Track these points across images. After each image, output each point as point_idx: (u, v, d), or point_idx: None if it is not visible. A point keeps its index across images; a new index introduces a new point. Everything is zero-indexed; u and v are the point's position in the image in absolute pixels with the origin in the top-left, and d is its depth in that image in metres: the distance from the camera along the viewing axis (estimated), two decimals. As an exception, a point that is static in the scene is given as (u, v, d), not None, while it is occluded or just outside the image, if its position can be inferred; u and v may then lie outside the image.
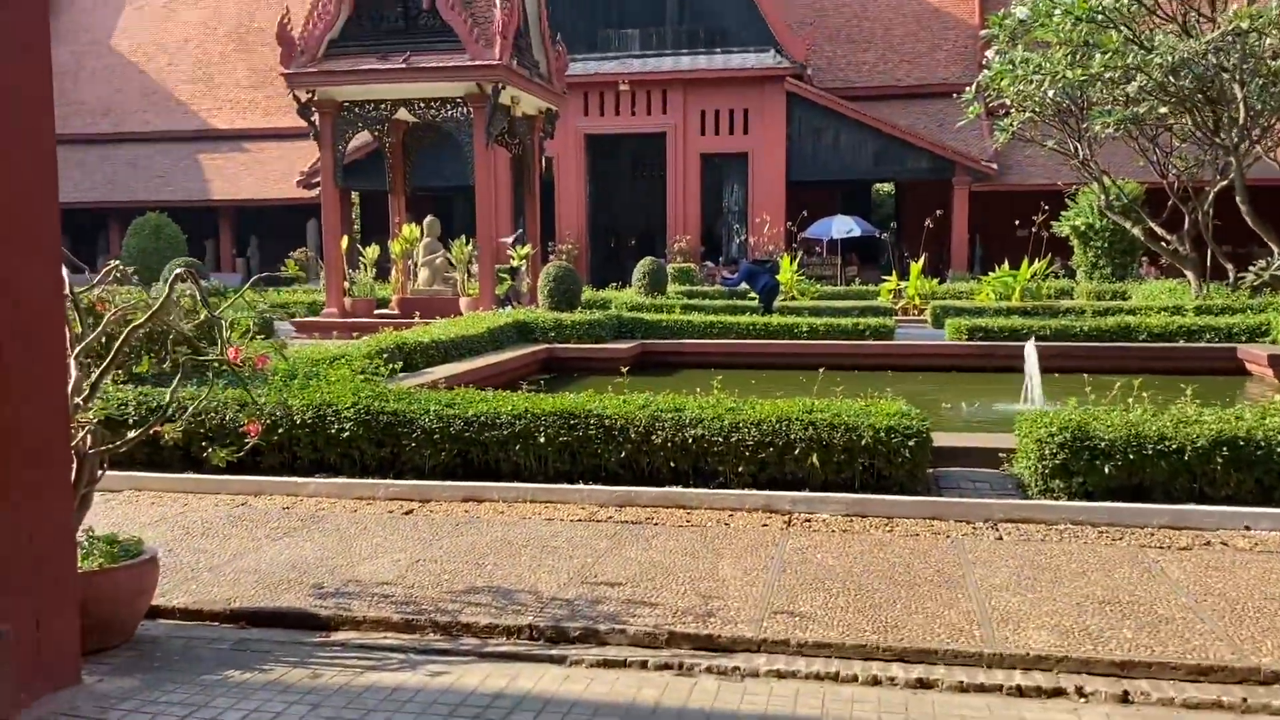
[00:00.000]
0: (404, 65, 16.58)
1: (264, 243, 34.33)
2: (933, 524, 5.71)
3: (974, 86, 19.16)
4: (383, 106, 17.27)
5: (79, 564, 3.84)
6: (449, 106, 16.93)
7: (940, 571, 4.90)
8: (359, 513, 6.03)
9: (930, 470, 6.48)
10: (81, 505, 4.12)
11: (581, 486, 6.22)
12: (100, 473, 4.20)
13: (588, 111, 29.84)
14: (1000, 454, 6.70)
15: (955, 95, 21.40)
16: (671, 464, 6.27)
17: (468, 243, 17.83)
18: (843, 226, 28.38)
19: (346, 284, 17.76)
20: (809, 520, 5.77)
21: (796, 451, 6.08)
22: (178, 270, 4.22)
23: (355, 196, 32.51)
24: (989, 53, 19.30)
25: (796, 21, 30.87)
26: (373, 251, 18.16)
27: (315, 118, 17.30)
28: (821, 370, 10.26)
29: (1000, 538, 5.51)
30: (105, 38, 37.00)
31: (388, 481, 6.41)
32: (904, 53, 32.82)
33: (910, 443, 6.00)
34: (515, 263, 19.11)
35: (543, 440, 6.33)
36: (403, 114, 17.52)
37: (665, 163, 30.11)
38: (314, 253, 28.09)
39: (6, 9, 3.28)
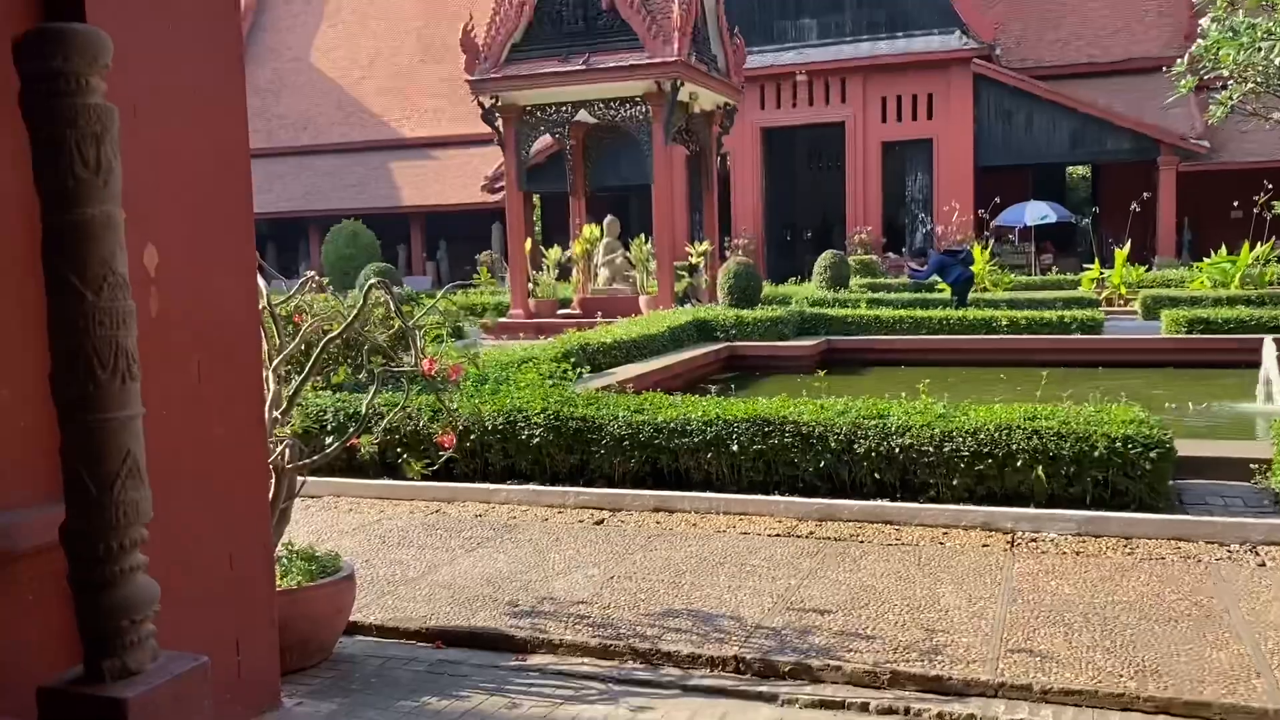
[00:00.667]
0: (583, 66, 16.60)
1: (452, 246, 35.46)
2: (1179, 546, 5.07)
3: (1185, 59, 17.62)
4: (563, 109, 17.36)
5: (277, 582, 3.78)
6: (628, 106, 16.85)
7: (1197, 604, 4.29)
8: (550, 522, 5.88)
9: (1170, 483, 5.79)
10: (280, 520, 4.08)
11: (778, 498, 5.87)
12: (299, 486, 4.16)
13: (764, 104, 29.31)
14: (1252, 465, 5.93)
15: (1165, 69, 19.78)
16: (875, 475, 5.84)
17: (646, 241, 17.73)
18: (1036, 212, 26.79)
19: (530, 285, 17.97)
20: (1035, 540, 5.23)
21: (1018, 463, 5.54)
22: (372, 280, 4.13)
23: (536, 199, 33.16)
24: (1204, 21, 17.72)
25: (978, 4, 29.36)
26: (555, 253, 18.32)
27: (499, 122, 17.56)
28: (1045, 372, 9.55)
29: (1263, 564, 4.82)
30: (305, 55, 39.06)
31: (577, 489, 6.24)
32: (1100, 28, 30.73)
33: (1151, 454, 5.36)
34: (694, 260, 18.89)
35: (735, 448, 6.02)
36: (583, 116, 17.57)
37: (843, 153, 29.26)
38: (498, 255, 28.77)
39: (199, 20, 3.22)
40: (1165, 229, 27.03)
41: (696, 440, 6.11)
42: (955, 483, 5.66)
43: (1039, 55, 30.36)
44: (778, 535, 5.46)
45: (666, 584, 4.72)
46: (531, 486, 6.36)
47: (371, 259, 27.00)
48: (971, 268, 18.54)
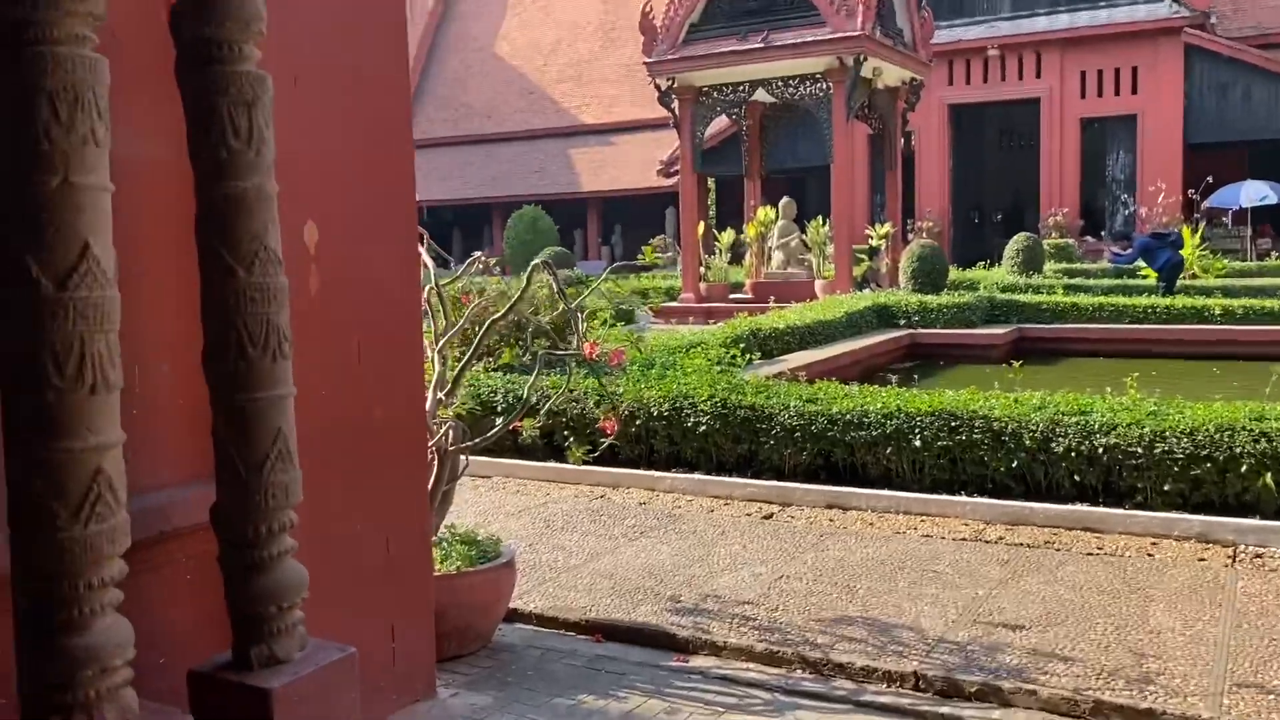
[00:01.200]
0: (762, 44, 16.21)
1: (626, 231, 35.71)
2: None
3: None
4: (740, 89, 17.03)
5: (436, 567, 3.71)
6: (808, 83, 16.36)
7: None
8: (716, 513, 5.66)
9: None
10: (443, 502, 4.02)
11: (964, 499, 5.44)
12: (463, 468, 4.09)
13: (952, 80, 28.03)
14: None
15: None
16: (1075, 477, 5.32)
17: (824, 223, 17.20)
18: (1254, 193, 24.55)
19: (702, 269, 17.77)
20: (1260, 557, 4.63)
21: (1242, 469, 4.92)
22: (535, 262, 4.00)
23: (710, 183, 32.90)
24: None
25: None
26: (728, 236, 18.04)
27: (675, 104, 17.40)
28: (1278, 368, 8.63)
29: None
30: (489, 44, 40.06)
31: (745, 480, 5.99)
32: (1334, -13, 27.88)
33: None
34: (874, 242, 18.22)
35: (918, 444, 5.61)
36: (760, 95, 17.19)
37: (1037, 131, 27.66)
38: (671, 238, 28.70)
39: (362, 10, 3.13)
40: None
41: (875, 434, 5.74)
42: (1167, 488, 5.09)
43: (1260, 22, 27.80)
44: (963, 539, 5.05)
45: (840, 588, 4.41)
46: (697, 475, 6.15)
47: (549, 244, 27.44)
48: (1180, 252, 17.09)
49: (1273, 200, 24.40)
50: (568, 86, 37.68)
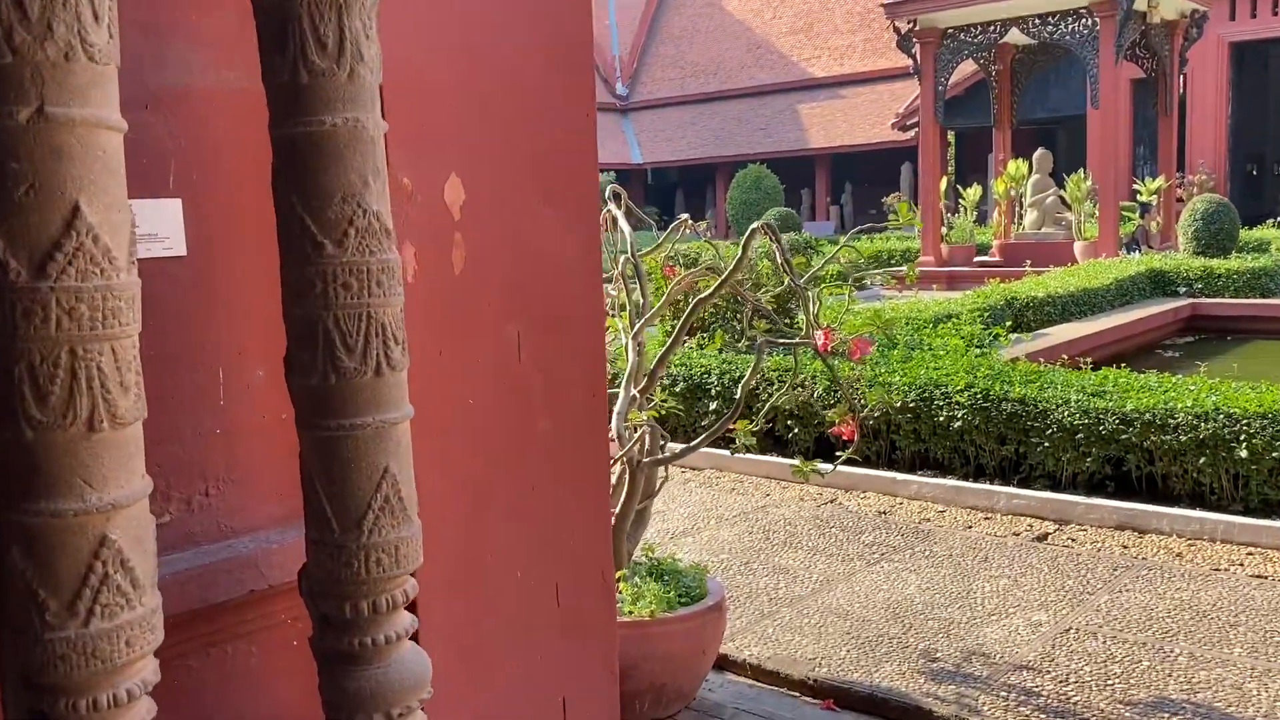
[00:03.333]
0: (1017, -23, 14.50)
1: (857, 190, 34.13)
2: None
3: None
4: (990, 29, 15.36)
5: (626, 610, 2.97)
6: (1070, 19, 14.53)
7: None
8: (974, 531, 4.66)
9: None
10: (636, 525, 3.27)
11: (1312, 529, 4.20)
12: (660, 483, 3.33)
13: (1234, 14, 24.67)
14: None
15: None
16: None
17: (1085, 177, 15.32)
18: None
19: (943, 230, 16.30)
20: None
21: None
22: (753, 226, 3.16)
23: (950, 137, 30.71)
24: None
25: None
26: (973, 193, 16.45)
27: (915, 49, 15.94)
28: None
29: None
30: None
31: (1011, 490, 4.94)
32: None
33: None
34: (1143, 198, 16.14)
35: (1245, 454, 4.38)
36: (1013, 36, 15.46)
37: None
38: (907, 197, 26.97)
39: None
40: None
41: (1184, 439, 4.54)
42: None
43: None
44: (1313, 585, 3.85)
45: (1150, 651, 3.36)
46: (950, 481, 5.13)
47: (774, 204, 26.37)
48: None
49: None
50: (797, 39, 36.21)
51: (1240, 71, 25.76)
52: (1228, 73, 25.36)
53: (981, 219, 18.38)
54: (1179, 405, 4.63)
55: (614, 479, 3.26)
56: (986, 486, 5.01)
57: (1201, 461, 4.52)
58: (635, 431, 3.17)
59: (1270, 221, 19.28)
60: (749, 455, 5.86)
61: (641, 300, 3.45)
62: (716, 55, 37.85)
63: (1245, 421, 4.43)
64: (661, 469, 3.31)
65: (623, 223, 3.54)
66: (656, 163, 37.06)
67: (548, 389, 2.47)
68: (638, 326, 3.34)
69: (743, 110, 35.96)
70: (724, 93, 36.87)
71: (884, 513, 4.98)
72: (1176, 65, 16.29)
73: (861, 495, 5.26)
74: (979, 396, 5.14)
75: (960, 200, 16.62)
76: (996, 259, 15.81)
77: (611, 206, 3.62)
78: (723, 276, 3.20)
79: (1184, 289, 11.75)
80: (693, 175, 37.74)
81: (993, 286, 9.99)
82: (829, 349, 2.99)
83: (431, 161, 2.16)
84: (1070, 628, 3.56)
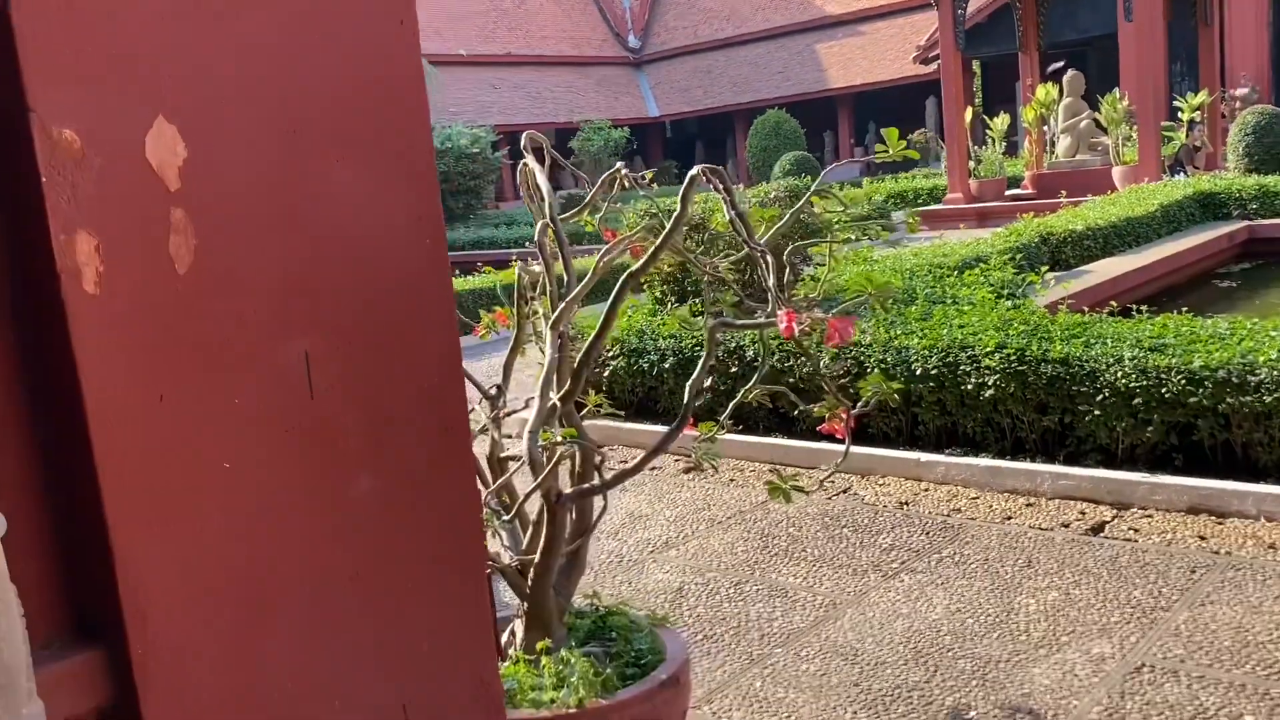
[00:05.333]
0: (1037, -117, 13.34)
1: (881, 128, 32.82)
2: None
3: None
4: (1011, -57, 14.22)
5: (546, 697, 2.23)
6: (1097, -75, 13.34)
7: None
8: (1013, 523, 3.87)
9: None
10: (567, 573, 2.52)
11: None
12: (598, 513, 2.57)
13: (1277, -89, 23.07)
14: None
15: None
16: None
17: (1121, 97, 14.20)
18: None
19: (971, 164, 15.27)
20: None
21: None
22: (692, 173, 2.36)
23: (976, 67, 29.34)
24: None
25: None
26: (1001, 122, 15.38)
27: (930, -29, 14.85)
28: None
29: None
30: (727, -60, 37.74)
31: (1057, 469, 4.13)
32: None
33: None
34: (1186, 115, 14.98)
35: (1348, 416, 3.55)
36: (1035, -53, 14.31)
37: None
38: (933, 133, 25.80)
39: None
40: None
41: (1270, 400, 3.70)
42: None
43: None
44: None
45: (1248, 696, 2.57)
46: (983, 461, 4.33)
47: (795, 149, 25.27)
48: None
49: None
50: (813, -25, 34.85)
51: (1281, -25, 24.18)
52: (1268, -24, 23.81)
53: (1012, 150, 17.31)
54: (1260, 358, 3.78)
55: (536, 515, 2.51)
56: (1027, 465, 4.20)
57: (1293, 427, 3.69)
58: (554, 456, 2.41)
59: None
60: (750, 437, 5.09)
61: (566, 278, 2.68)
62: (730, 1, 36.56)
63: (1346, 375, 3.59)
64: (598, 499, 2.55)
65: (540, 178, 2.76)
66: (674, 114, 36.00)
67: (369, 431, 1.70)
68: (558, 311, 2.57)
69: (759, 54, 34.73)
70: (739, 38, 35.62)
71: (905, 504, 4.19)
72: (1217, -31, 15.05)
73: (880, 482, 4.47)
74: (1013, 358, 4.31)
75: (988, 131, 15.56)
76: (1030, 191, 14.79)
77: (529, 159, 2.84)
78: (658, 241, 2.42)
79: (1237, 211, 10.74)
80: (712, 125, 36.67)
81: (1026, 222, 9.08)
82: (796, 333, 2.21)
83: (118, 96, 1.39)
84: (1142, 664, 2.77)
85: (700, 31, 36.63)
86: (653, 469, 4.90)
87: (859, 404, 2.59)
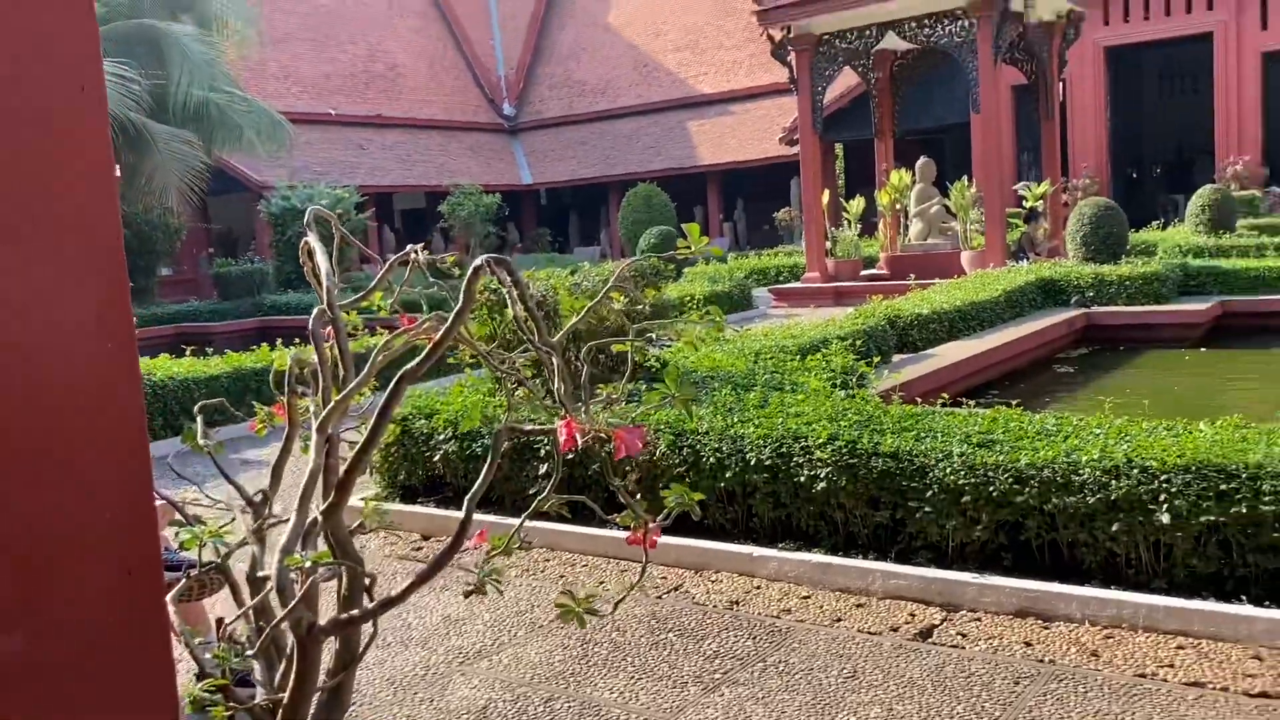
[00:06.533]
0: (891, -21, 13.91)
1: (750, 205, 33.73)
2: None
3: None
4: (866, 34, 14.74)
5: None
6: (946, 22, 13.98)
7: None
8: (841, 627, 3.71)
9: None
10: (328, 708, 2.21)
11: (1253, 611, 3.34)
12: (368, 639, 2.28)
13: (1108, 19, 24.83)
14: None
15: None
16: None
17: (970, 184, 14.78)
18: None
19: (828, 243, 15.62)
20: None
21: None
22: (476, 263, 2.15)
23: (839, 149, 30.38)
24: None
25: None
26: (857, 204, 15.80)
27: (791, 57, 15.26)
28: None
29: None
30: (603, 17, 38.37)
31: (887, 567, 4.01)
32: None
33: None
34: (1029, 203, 15.70)
35: (1166, 519, 3.53)
36: (889, 41, 14.87)
37: (1204, 72, 24.28)
38: (797, 211, 26.49)
39: None
40: None
41: (1092, 500, 3.67)
42: None
43: None
44: (1260, 696, 2.98)
45: (1067, 829, 2.42)
46: (816, 557, 4.18)
47: (664, 222, 25.57)
48: None
49: None
50: (684, 55, 35.67)
51: (1116, 76, 25.94)
52: (1105, 77, 25.50)
53: (870, 232, 17.82)
54: (1084, 457, 3.75)
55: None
56: (859, 563, 4.07)
57: (1115, 528, 3.65)
58: (304, 583, 2.11)
59: (1154, 224, 19.15)
60: (587, 529, 4.84)
61: (342, 371, 2.41)
62: (605, 74, 37.06)
63: (1165, 477, 3.57)
64: (367, 626, 2.25)
65: (319, 258, 2.49)
66: (547, 182, 36.09)
67: (18, 580, 1.41)
68: (326, 411, 2.30)
69: (633, 128, 35.20)
70: (614, 111, 36.07)
71: (736, 603, 4.00)
72: (1056, 68, 15.94)
73: (712, 578, 4.28)
74: (845, 451, 4.21)
75: (845, 213, 15.97)
76: (884, 272, 15.19)
77: (310, 237, 2.57)
78: (440, 332, 2.18)
79: (1075, 298, 11.18)
80: (586, 195, 36.87)
81: (875, 304, 9.21)
82: (573, 444, 1.99)
83: None
84: (960, 793, 2.61)
85: (575, 104, 36.98)
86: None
87: (661, 515, 2.38)
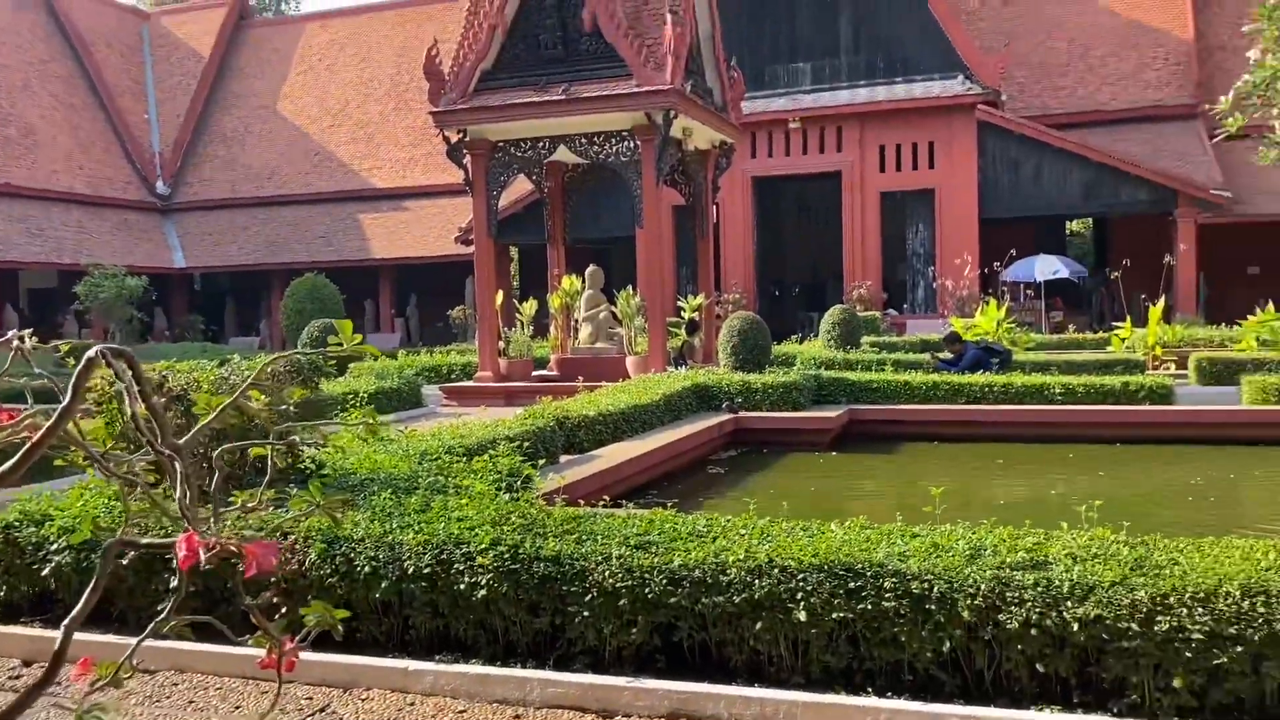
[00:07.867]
0: (563, 96, 14.54)
1: (424, 301, 33.48)
2: None
3: (1231, 95, 15.73)
4: (540, 145, 15.26)
5: None
6: (614, 141, 14.78)
7: None
8: (500, 740, 3.60)
9: None
10: None
11: (877, 702, 3.60)
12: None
13: (754, 153, 27.48)
14: None
15: (1207, 107, 17.99)
16: (1037, 667, 3.58)
17: (635, 294, 15.55)
18: (1047, 267, 24.95)
19: (501, 344, 15.75)
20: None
21: (1289, 656, 3.32)
22: (89, 354, 1.91)
23: (515, 253, 30.99)
24: (1252, 53, 15.98)
25: (982, 48, 27.70)
26: (530, 306, 16.11)
27: (466, 160, 15.46)
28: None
29: None
30: (272, 103, 37.14)
31: (545, 675, 3.95)
32: (1106, 74, 29.33)
33: None
34: (688, 314, 16.75)
35: (803, 616, 3.75)
36: (562, 153, 15.49)
37: (837, 204, 27.47)
38: (472, 310, 26.64)
39: None
40: (1185, 284, 25.14)
41: (738, 601, 3.84)
42: (1175, 684, 3.41)
43: (1044, 103, 28.85)
44: (886, 780, 3.20)
45: None
46: (473, 669, 4.04)
47: (332, 314, 24.72)
48: (1010, 366, 15.24)
49: (1064, 274, 24.85)
50: (358, 148, 35.19)
51: (762, 203, 28.65)
52: (752, 204, 28.06)
53: (542, 333, 18.20)
54: (730, 559, 3.93)
55: None
56: (517, 673, 3.98)
57: (759, 626, 3.83)
58: None
59: (794, 337, 21.07)
60: (221, 647, 4.40)
61: (-89, 477, 2.03)
62: (273, 160, 35.70)
63: (801, 576, 3.81)
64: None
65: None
66: (204, 267, 33.90)
67: None
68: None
69: (302, 216, 34.05)
70: (281, 198, 34.74)
71: (389, 723, 3.77)
72: (710, 192, 17.27)
73: (363, 696, 4.01)
74: (507, 556, 4.15)
75: (518, 314, 16.23)
76: (555, 374, 15.51)
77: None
78: (41, 431, 1.90)
79: (726, 403, 11.95)
80: (246, 283, 35.00)
81: (545, 405, 9.33)
82: (201, 560, 1.79)
83: None
84: None
85: (240, 187, 35.28)
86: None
87: (299, 636, 2.19)
